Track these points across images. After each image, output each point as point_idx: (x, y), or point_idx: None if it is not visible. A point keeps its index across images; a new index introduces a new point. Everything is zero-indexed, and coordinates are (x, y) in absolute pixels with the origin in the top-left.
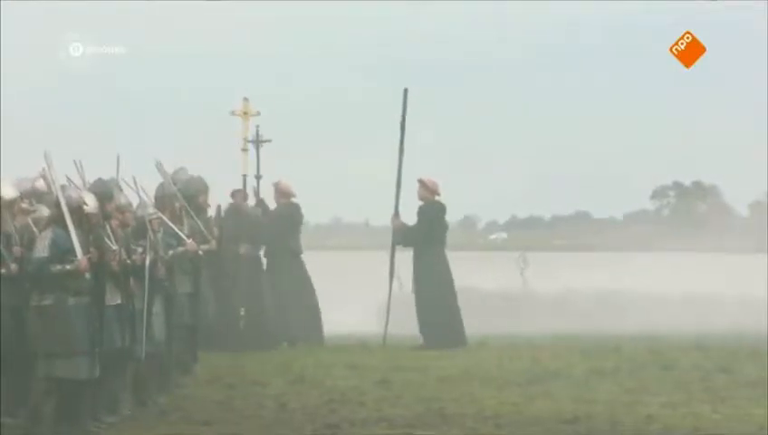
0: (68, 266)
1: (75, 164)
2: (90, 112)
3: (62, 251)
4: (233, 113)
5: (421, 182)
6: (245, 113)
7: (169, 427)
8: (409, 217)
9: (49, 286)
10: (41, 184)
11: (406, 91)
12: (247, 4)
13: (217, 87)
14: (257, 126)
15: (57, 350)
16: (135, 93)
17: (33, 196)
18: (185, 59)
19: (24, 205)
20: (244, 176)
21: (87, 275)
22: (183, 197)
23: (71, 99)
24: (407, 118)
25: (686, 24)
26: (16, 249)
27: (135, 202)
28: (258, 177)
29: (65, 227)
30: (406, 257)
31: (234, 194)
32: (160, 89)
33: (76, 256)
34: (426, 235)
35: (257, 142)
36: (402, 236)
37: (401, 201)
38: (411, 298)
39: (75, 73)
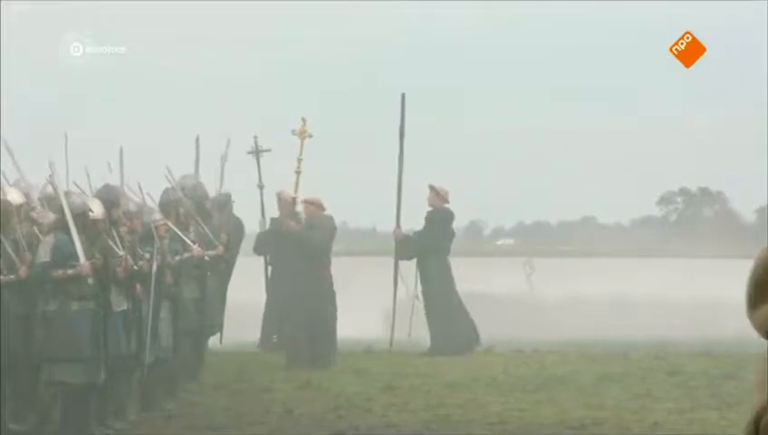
0: (69, 271)
1: (84, 171)
2: (90, 113)
3: (64, 256)
4: (293, 132)
5: (432, 189)
6: (303, 132)
7: (176, 432)
8: (413, 224)
9: (52, 292)
10: (49, 190)
11: (403, 96)
12: (250, 4)
13: (218, 87)
14: (255, 137)
15: (61, 355)
16: (135, 94)
17: (44, 200)
18: (185, 59)
19: (34, 214)
20: (294, 198)
21: (90, 281)
22: (190, 202)
23: (71, 99)
24: (413, 123)
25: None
26: (24, 255)
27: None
28: (261, 186)
29: (68, 232)
30: (410, 264)
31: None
32: (159, 90)
33: (79, 260)
34: (432, 242)
35: (257, 153)
36: (407, 246)
37: (405, 208)
38: (417, 304)
39: (75, 73)
